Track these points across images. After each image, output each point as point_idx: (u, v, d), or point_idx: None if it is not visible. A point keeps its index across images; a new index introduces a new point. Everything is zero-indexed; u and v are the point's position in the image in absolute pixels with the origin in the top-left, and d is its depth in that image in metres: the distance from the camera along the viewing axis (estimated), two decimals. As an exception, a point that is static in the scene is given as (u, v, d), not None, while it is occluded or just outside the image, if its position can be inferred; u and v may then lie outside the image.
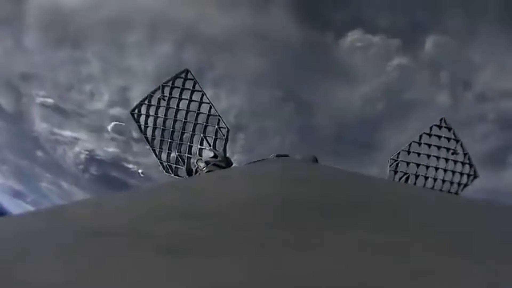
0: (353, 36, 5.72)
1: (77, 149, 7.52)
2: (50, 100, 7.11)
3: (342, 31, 5.70)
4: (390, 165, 1.66)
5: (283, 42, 5.95)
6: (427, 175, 1.68)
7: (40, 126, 7.40)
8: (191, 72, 1.70)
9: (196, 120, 1.68)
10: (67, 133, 7.41)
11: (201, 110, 1.68)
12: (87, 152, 7.50)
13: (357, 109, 5.99)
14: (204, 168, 1.52)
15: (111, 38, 6.49)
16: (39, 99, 7.12)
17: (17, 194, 8.15)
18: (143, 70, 6.46)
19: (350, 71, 5.98)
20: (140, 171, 7.41)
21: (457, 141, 1.70)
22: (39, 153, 7.65)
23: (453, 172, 1.69)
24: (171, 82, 1.69)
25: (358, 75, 5.97)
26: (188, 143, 1.68)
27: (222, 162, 1.54)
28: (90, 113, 7.12)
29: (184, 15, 6.10)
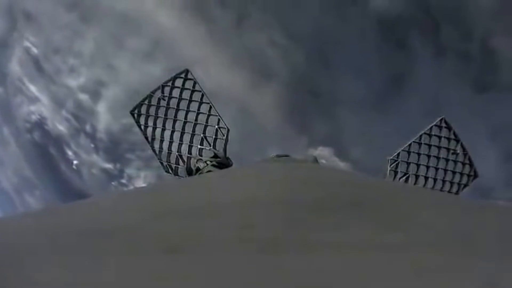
0: (322, 152, 5.70)
1: (33, 108, 7.42)
2: (35, 50, 7.05)
3: (315, 143, 5.73)
4: (390, 165, 1.65)
5: (261, 124, 5.95)
6: (427, 175, 1.68)
7: (14, 67, 7.29)
8: (191, 72, 1.70)
9: (196, 120, 1.68)
10: (33, 88, 7.29)
11: (201, 110, 1.69)
12: (39, 117, 7.41)
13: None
14: (204, 168, 1.52)
15: (115, 32, 6.43)
16: (27, 43, 7.04)
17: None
18: (126, 78, 6.41)
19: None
20: (75, 162, 7.34)
21: (457, 141, 1.70)
22: (0, 90, 7.52)
23: (453, 173, 1.69)
24: (171, 82, 1.69)
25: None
26: (188, 143, 1.68)
27: (222, 162, 1.54)
28: (61, 85, 7.02)
29: (189, 51, 6.04)
